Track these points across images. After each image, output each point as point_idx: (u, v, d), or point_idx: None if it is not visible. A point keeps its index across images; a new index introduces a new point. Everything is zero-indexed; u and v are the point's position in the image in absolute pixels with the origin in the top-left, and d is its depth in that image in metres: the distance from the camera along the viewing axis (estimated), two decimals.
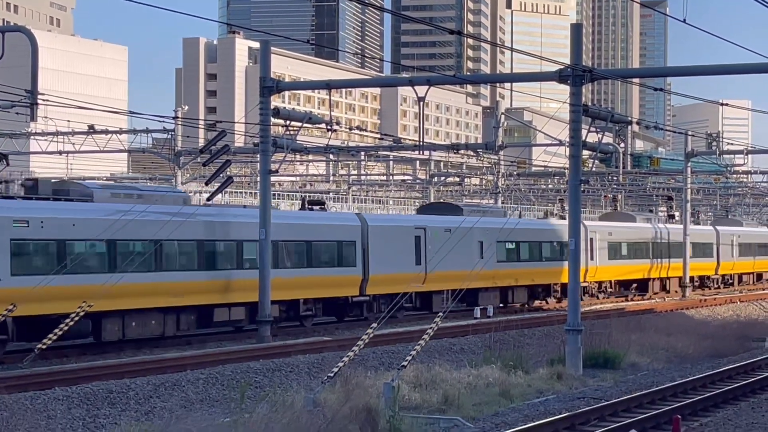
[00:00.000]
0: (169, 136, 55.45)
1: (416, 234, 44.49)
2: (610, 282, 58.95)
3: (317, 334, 38.27)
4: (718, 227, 72.80)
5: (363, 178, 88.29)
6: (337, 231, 40.76)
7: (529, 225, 52.84)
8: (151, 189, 38.84)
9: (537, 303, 52.70)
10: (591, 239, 55.57)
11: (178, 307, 34.40)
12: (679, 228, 65.85)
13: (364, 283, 41.93)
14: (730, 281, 73.37)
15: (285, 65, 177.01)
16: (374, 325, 25.37)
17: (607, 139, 50.55)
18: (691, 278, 65.25)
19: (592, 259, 55.54)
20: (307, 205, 44.39)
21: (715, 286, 70.39)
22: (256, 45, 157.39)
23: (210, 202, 40.55)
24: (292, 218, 40.75)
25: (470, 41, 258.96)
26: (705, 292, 67.41)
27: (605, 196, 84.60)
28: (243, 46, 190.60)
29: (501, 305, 49.25)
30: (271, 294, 36.13)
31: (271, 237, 36.34)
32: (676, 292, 63.46)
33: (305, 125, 39.20)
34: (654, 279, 62.00)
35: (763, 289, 72.85)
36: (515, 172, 76.89)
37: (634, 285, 61.39)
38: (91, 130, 56.30)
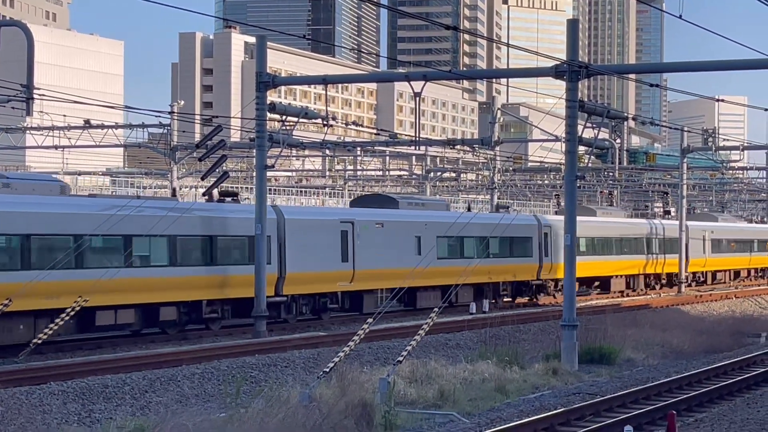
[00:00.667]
0: (165, 131, 55.40)
1: (342, 228, 40.80)
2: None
3: (312, 329, 38.24)
4: (688, 222, 67.50)
5: (359, 173, 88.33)
6: (247, 225, 36.46)
7: (476, 219, 48.50)
8: (20, 176, 35.98)
9: (506, 301, 49.68)
10: (545, 234, 52.09)
11: (52, 309, 30.12)
12: (645, 222, 64.22)
13: (280, 282, 38.03)
14: (702, 279, 69.64)
15: (281, 60, 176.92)
16: (370, 320, 25.34)
17: (604, 134, 50.71)
18: (658, 275, 63.38)
19: (546, 255, 52.03)
20: (217, 197, 40.04)
21: (686, 284, 65.42)
22: (253, 40, 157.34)
23: (96, 193, 37.84)
24: (194, 210, 35.82)
25: (467, 37, 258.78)
26: (647, 291, 62.51)
27: (601, 192, 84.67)
28: (239, 41, 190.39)
29: (446, 305, 46.61)
30: (166, 295, 33.29)
31: (165, 231, 33.59)
32: (642, 291, 60.99)
33: (301, 120, 39.16)
34: (618, 277, 58.81)
35: (758, 286, 72.82)
36: (511, 168, 76.85)
37: (596, 283, 58.32)
38: (87, 124, 56.24)
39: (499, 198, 68.54)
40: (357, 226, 41.21)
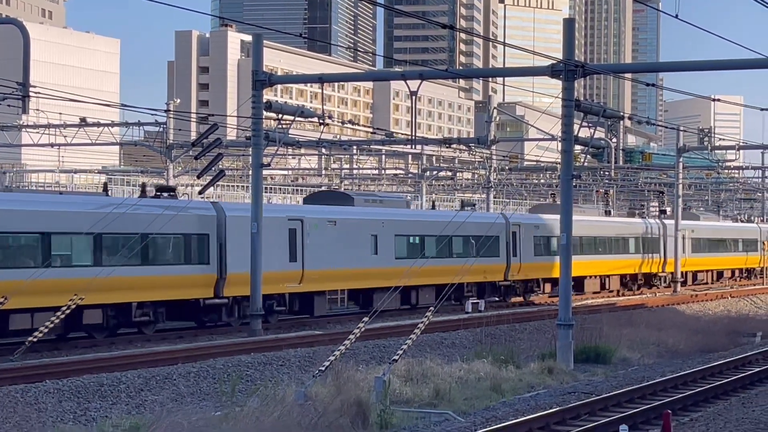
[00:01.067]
0: (161, 129, 55.41)
1: (291, 226, 38.64)
2: (538, 281, 52.72)
3: (307, 328, 38.23)
4: (665, 220, 67.06)
5: (355, 172, 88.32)
6: (184, 222, 34.50)
7: (439, 217, 46.56)
8: None
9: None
10: (514, 233, 50.15)
11: None
12: (622, 221, 62.55)
13: (220, 283, 35.86)
14: (682, 279, 65.90)
15: (277, 59, 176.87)
16: (365, 319, 25.33)
17: (599, 134, 50.66)
18: (634, 276, 61.51)
19: (515, 255, 50.03)
20: (154, 192, 38.14)
21: (664, 284, 64.55)
22: (249, 38, 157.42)
23: (11, 186, 36.32)
24: (124, 206, 33.25)
25: (463, 35, 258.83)
26: (628, 292, 60.69)
27: (597, 191, 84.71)
28: (235, 39, 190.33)
29: (407, 307, 44.22)
30: (90, 297, 30.75)
31: (89, 228, 31.62)
32: (618, 292, 59.12)
33: (297, 119, 39.17)
34: (592, 277, 56.22)
35: (751, 286, 72.85)
36: (507, 167, 76.89)
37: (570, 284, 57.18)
38: (83, 122, 56.25)
39: (495, 197, 68.51)
40: (307, 224, 39.19)
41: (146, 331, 34.27)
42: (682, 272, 65.33)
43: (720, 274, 73.29)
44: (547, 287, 53.26)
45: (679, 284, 62.42)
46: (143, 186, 40.34)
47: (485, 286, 48.94)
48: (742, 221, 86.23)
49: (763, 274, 78.70)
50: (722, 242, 72.46)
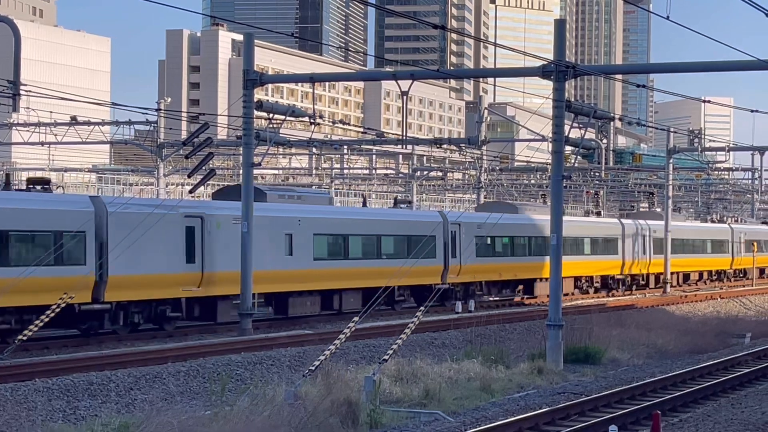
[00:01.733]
0: (152, 128, 55.41)
1: (188, 224, 35.08)
2: (481, 283, 49.35)
3: (297, 328, 38.20)
4: (623, 220, 63.87)
5: (346, 171, 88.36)
6: (54, 218, 31.06)
7: (364, 215, 43.77)
8: None
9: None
10: (453, 233, 46.88)
11: None
12: (577, 220, 59.70)
13: (100, 286, 32.15)
14: (643, 282, 63.59)
15: (268, 58, 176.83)
16: (356, 318, 25.32)
17: (590, 135, 50.76)
18: (590, 278, 58.13)
19: (454, 256, 46.70)
20: (26, 185, 34.50)
21: (624, 288, 61.27)
22: (240, 37, 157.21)
23: None
24: None
25: (454, 36, 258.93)
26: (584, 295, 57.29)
27: (587, 192, 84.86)
28: (226, 38, 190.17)
29: (333, 312, 41.27)
30: None
31: None
32: (574, 294, 55.72)
33: (288, 118, 39.18)
34: (543, 280, 51.66)
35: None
36: (498, 167, 77.06)
37: (520, 287, 52.44)
38: (74, 121, 56.20)
39: (485, 195, 68.34)
40: (208, 222, 35.72)
41: (9, 341, 29.23)
42: (643, 275, 63.15)
43: (687, 277, 69.93)
44: (519, 290, 51.23)
45: (669, 285, 62.41)
46: (7, 177, 37.13)
47: (422, 290, 44.92)
48: (713, 221, 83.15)
49: (735, 277, 76.25)
50: (688, 243, 68.56)
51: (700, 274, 71.93)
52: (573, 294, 55.41)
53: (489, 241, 49.59)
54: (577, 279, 56.84)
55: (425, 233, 44.93)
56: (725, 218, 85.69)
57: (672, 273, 64.46)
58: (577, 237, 56.28)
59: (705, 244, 71.44)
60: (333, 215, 41.03)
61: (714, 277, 74.08)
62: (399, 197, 55.88)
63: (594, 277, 58.64)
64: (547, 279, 51.31)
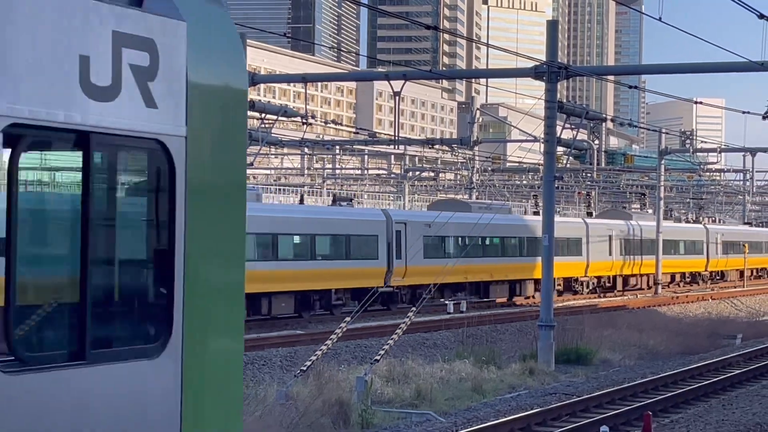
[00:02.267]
0: None
1: None
2: (429, 287, 44.23)
3: (288, 328, 38.17)
4: (587, 220, 61.12)
5: (338, 171, 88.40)
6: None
7: (296, 213, 42.20)
8: None
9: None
10: (398, 233, 44.69)
11: None
12: (536, 220, 51.47)
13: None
14: (609, 285, 60.89)
15: (261, 58, 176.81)
16: (347, 319, 25.32)
17: (582, 135, 50.75)
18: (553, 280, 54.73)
19: (399, 258, 44.47)
20: None
21: (588, 290, 58.58)
22: None
23: None
24: None
25: (446, 36, 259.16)
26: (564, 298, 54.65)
27: (579, 193, 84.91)
28: None
29: (266, 317, 39.08)
30: None
31: None
32: (528, 299, 52.59)
33: (280, 118, 39.13)
34: (498, 282, 50.15)
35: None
36: (490, 168, 77.06)
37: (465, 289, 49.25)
38: None
39: (477, 196, 68.32)
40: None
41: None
42: (608, 277, 60.69)
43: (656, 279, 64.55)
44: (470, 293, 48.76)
45: (660, 287, 62.39)
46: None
47: (364, 293, 41.82)
48: (687, 221, 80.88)
49: (711, 279, 73.30)
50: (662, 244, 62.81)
51: (672, 276, 68.32)
52: (533, 297, 51.65)
53: (439, 242, 47.17)
54: (537, 281, 50.18)
55: (365, 233, 43.26)
56: (701, 218, 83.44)
57: (640, 275, 62.51)
58: (536, 237, 50.67)
59: (677, 245, 68.00)
60: (261, 213, 38.35)
61: (688, 280, 71.25)
62: (337, 194, 53.74)
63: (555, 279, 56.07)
64: (503, 282, 50.52)
